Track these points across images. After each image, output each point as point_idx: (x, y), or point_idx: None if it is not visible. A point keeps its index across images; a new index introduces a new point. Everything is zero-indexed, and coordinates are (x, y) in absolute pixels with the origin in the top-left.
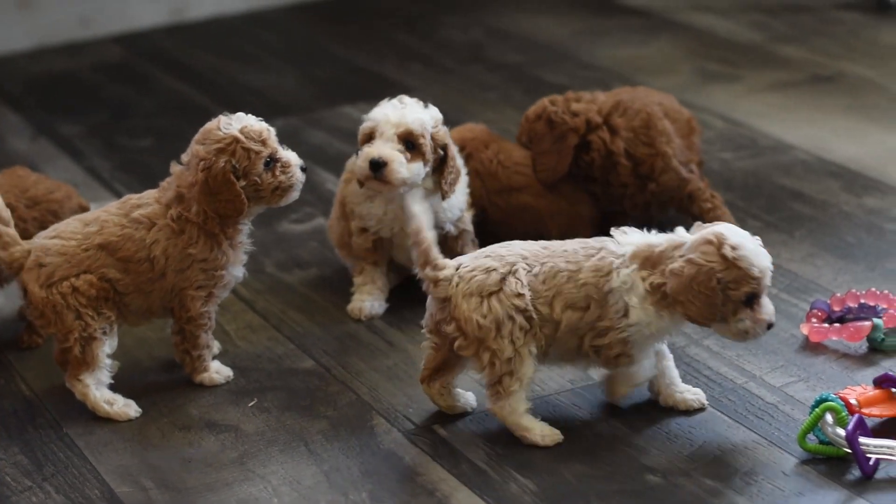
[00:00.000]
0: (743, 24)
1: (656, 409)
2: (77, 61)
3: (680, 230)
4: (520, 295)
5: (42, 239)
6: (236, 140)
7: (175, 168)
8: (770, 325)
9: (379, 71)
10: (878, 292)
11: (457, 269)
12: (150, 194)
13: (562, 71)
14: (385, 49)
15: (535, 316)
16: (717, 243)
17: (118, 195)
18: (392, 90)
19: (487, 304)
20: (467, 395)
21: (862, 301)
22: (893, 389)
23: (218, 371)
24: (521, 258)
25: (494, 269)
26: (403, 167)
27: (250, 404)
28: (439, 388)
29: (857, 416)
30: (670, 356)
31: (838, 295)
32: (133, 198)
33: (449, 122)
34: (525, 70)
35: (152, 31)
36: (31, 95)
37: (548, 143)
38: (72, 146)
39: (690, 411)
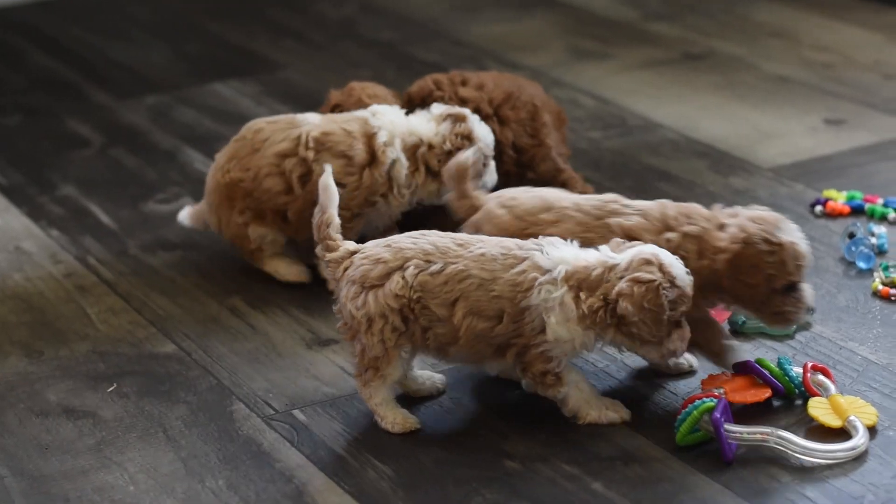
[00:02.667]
0: (618, 0)
1: (517, 393)
2: None
3: (604, 248)
4: (398, 296)
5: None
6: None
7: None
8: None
9: (250, 47)
10: None
11: (353, 252)
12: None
13: (434, 49)
14: (256, 25)
15: (418, 316)
16: (657, 262)
17: None
18: (261, 67)
19: (364, 297)
20: (434, 378)
21: None
22: (755, 376)
23: None
24: (423, 254)
25: (385, 262)
26: None
27: (109, 389)
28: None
29: (722, 400)
30: None
31: None
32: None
33: (319, 99)
34: (398, 47)
35: (22, 6)
36: None
37: None
38: None
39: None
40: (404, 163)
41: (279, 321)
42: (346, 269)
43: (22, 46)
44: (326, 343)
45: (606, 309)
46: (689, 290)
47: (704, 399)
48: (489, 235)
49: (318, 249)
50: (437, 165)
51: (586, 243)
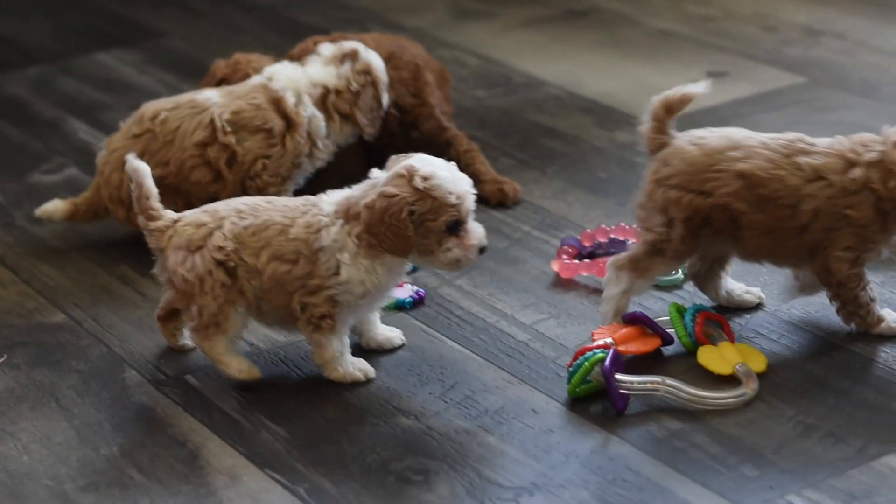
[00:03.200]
0: None
1: (406, 350)
2: None
3: (375, 171)
4: (220, 248)
5: None
6: None
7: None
8: (482, 249)
9: (131, 16)
10: (627, 227)
11: (175, 221)
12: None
13: (317, 11)
14: None
15: (239, 269)
16: (409, 175)
17: None
18: (143, 35)
19: (192, 260)
20: (393, 334)
21: (612, 236)
22: (645, 327)
23: None
24: (236, 212)
25: (205, 224)
26: None
27: None
28: (172, 329)
29: (613, 350)
30: None
31: (588, 231)
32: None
33: (203, 66)
34: (280, 11)
35: None
36: None
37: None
38: None
39: (395, 349)
40: (319, 116)
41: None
42: (170, 238)
43: None
44: None
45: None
46: (451, 198)
47: (595, 350)
48: (677, 171)
49: (141, 220)
50: (347, 109)
51: (776, 181)
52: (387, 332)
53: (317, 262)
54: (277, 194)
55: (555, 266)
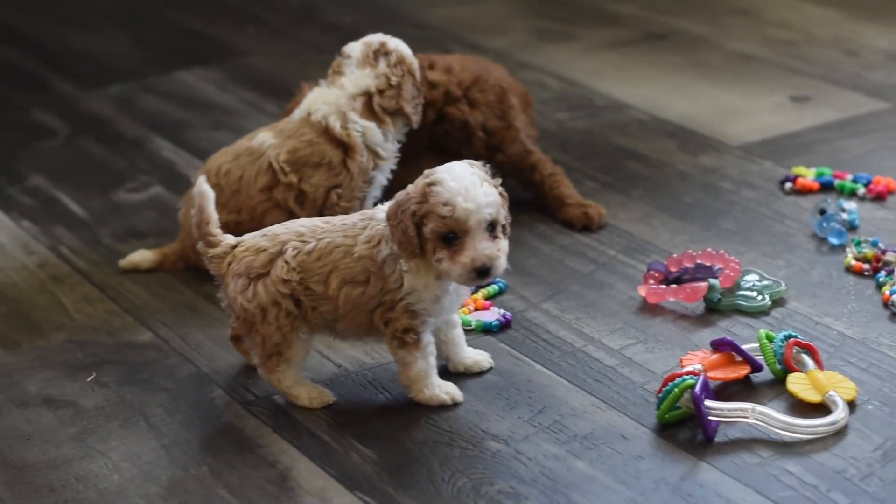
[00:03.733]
0: None
1: (494, 374)
2: None
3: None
4: (285, 281)
5: None
6: None
7: None
8: (482, 272)
9: (212, 34)
10: (713, 252)
11: (234, 246)
12: None
13: (396, 31)
14: (217, 11)
15: (304, 298)
16: (426, 176)
17: None
18: (225, 53)
19: (254, 289)
20: (482, 358)
21: (698, 261)
22: (734, 353)
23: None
24: (296, 236)
25: (265, 250)
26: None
27: (88, 379)
28: (245, 350)
29: (702, 377)
30: (458, 321)
31: (675, 256)
32: None
33: (284, 85)
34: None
35: None
36: None
37: None
38: None
39: (483, 372)
40: (370, 125)
41: None
42: (229, 264)
43: None
44: None
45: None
46: (443, 209)
47: (685, 377)
48: None
49: (200, 246)
50: (394, 105)
51: None
52: (475, 356)
53: (384, 275)
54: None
55: (642, 291)
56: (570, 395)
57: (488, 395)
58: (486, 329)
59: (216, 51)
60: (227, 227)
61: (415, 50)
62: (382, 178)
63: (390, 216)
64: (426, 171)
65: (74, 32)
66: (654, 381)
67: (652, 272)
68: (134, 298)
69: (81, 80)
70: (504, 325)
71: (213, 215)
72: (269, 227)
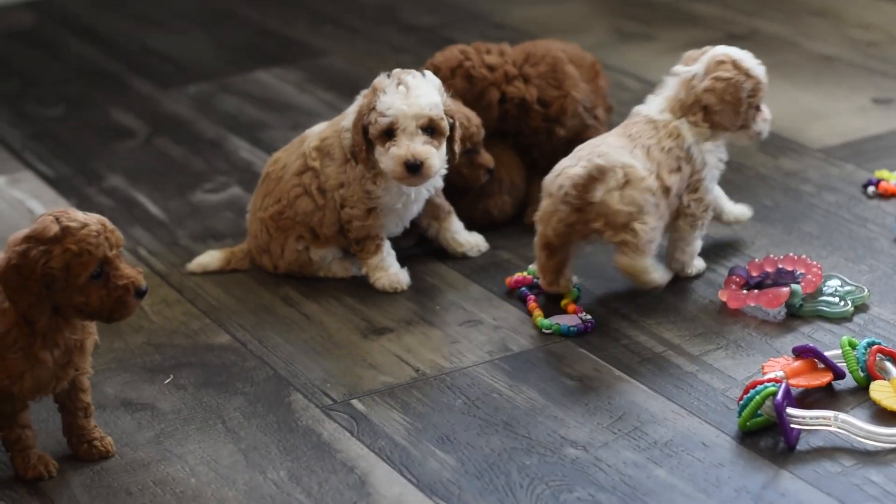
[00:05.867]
0: None
1: (573, 379)
2: None
3: (677, 67)
4: (642, 178)
5: None
6: None
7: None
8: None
9: (289, 34)
10: (795, 257)
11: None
12: None
13: (474, 31)
14: (294, 11)
15: (656, 192)
16: (730, 61)
17: (30, 166)
18: (303, 54)
19: (623, 195)
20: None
21: (780, 266)
22: (816, 360)
23: None
24: (620, 147)
25: (612, 167)
26: (436, 158)
27: (166, 381)
28: (566, 283)
29: (784, 384)
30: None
31: (756, 260)
32: None
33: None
34: (437, 31)
35: None
36: None
37: (471, 101)
38: None
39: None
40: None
41: (333, 310)
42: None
43: (61, 36)
44: (382, 332)
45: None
46: (764, 78)
47: (766, 384)
48: None
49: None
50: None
51: None
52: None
53: (692, 160)
54: (362, 230)
55: (723, 296)
56: (649, 402)
57: (568, 401)
58: (564, 333)
59: (294, 51)
60: (272, 219)
61: None
62: (389, 203)
63: (720, 100)
64: (716, 56)
65: (153, 33)
66: (735, 388)
67: (733, 277)
68: (212, 300)
69: (160, 80)
70: (583, 331)
71: None
72: (587, 148)
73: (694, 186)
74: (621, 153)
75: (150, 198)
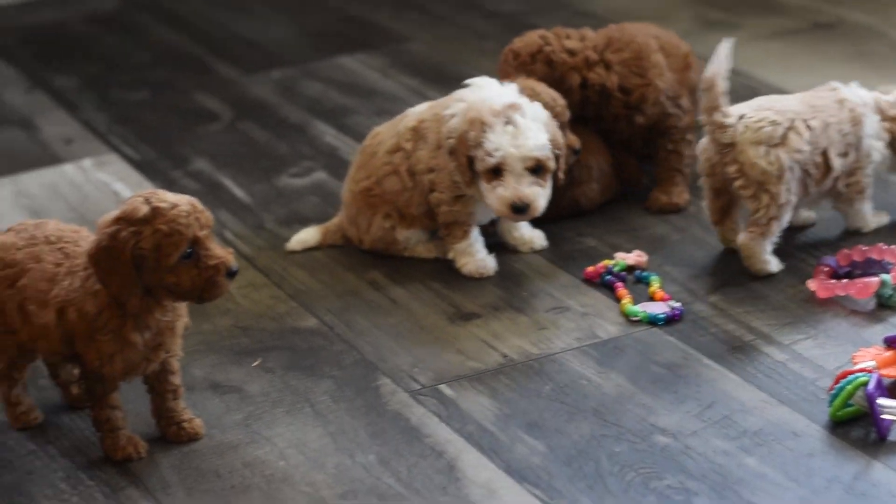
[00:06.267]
0: None
1: (662, 367)
2: (71, 12)
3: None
4: (800, 150)
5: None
6: None
7: None
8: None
9: (373, 19)
10: (885, 247)
11: (740, 118)
12: None
13: (557, 19)
14: None
15: (809, 169)
16: None
17: (116, 149)
18: (387, 39)
19: (774, 154)
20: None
21: (869, 256)
22: None
23: None
24: (795, 114)
25: (779, 123)
26: (542, 198)
27: (254, 364)
28: (730, 226)
29: (876, 374)
30: None
31: (846, 250)
32: None
33: (446, 72)
34: (521, 18)
35: None
36: (25, 47)
37: (549, 85)
38: (66, 99)
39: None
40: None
41: (420, 295)
42: (742, 133)
43: (145, 21)
44: (469, 317)
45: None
46: None
47: (858, 374)
48: None
49: (712, 117)
50: None
51: None
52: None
53: (860, 149)
54: (450, 215)
55: (812, 285)
56: (739, 391)
57: (656, 388)
58: (652, 321)
59: (378, 37)
60: (362, 193)
61: None
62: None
63: None
64: None
65: (238, 18)
66: (826, 378)
67: (822, 266)
68: (298, 284)
69: (244, 65)
70: (671, 319)
71: (724, 88)
72: (763, 101)
73: (852, 171)
74: (796, 115)
75: (235, 181)
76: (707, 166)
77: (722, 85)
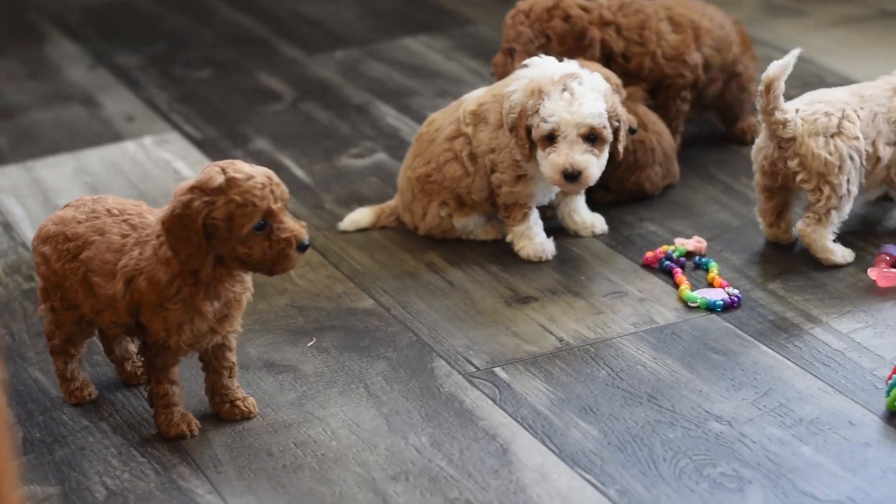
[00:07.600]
0: None
1: (718, 354)
2: None
3: None
4: (857, 138)
5: None
6: None
7: None
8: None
9: (437, 1)
10: None
11: (796, 111)
12: None
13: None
14: None
15: (861, 159)
16: None
17: (177, 127)
18: (451, 21)
19: (833, 144)
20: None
21: None
22: None
23: None
24: (845, 104)
25: (832, 114)
26: (595, 167)
27: (309, 344)
28: (784, 227)
29: None
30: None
31: None
32: None
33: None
34: None
35: None
36: (88, 25)
37: (571, 42)
38: (129, 76)
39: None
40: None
41: (477, 278)
42: (801, 126)
43: (211, 1)
44: (526, 300)
45: None
46: None
47: None
48: None
49: (773, 116)
50: None
51: None
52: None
53: None
54: (511, 196)
55: (872, 274)
56: (796, 378)
57: (712, 375)
58: (710, 307)
59: (441, 18)
60: (419, 180)
61: None
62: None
63: None
64: None
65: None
66: (884, 368)
67: (883, 255)
68: (356, 265)
69: (307, 45)
70: (729, 306)
71: (781, 88)
72: (815, 95)
73: None
74: (846, 105)
75: (295, 161)
76: (766, 164)
77: (780, 87)
